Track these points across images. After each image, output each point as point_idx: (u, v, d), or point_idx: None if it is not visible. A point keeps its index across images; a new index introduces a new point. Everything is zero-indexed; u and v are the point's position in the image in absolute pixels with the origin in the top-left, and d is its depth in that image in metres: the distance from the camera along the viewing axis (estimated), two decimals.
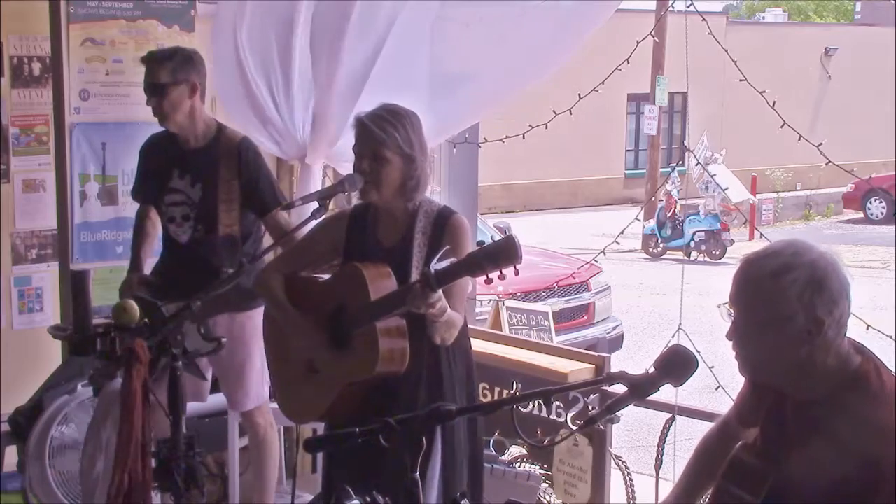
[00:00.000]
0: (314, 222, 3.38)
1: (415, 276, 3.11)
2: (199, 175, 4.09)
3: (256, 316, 4.11)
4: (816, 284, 2.11)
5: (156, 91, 4.00)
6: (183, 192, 4.11)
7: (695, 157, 13.38)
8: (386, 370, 3.08)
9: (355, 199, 3.49)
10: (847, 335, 2.20)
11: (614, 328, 9.77)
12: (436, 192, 4.86)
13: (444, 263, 2.77)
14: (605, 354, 5.08)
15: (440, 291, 2.87)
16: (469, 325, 3.45)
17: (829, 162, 4.05)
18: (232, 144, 4.12)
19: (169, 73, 4.00)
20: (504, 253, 2.64)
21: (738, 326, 2.21)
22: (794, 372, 2.18)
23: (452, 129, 4.69)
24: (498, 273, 2.66)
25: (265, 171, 4.20)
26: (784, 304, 2.12)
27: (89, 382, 4.28)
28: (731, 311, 2.23)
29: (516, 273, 2.66)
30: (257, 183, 4.11)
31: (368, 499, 2.27)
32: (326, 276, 3.42)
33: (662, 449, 4.09)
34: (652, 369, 2.22)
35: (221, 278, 3.26)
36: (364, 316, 3.06)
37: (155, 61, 4.04)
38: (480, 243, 2.71)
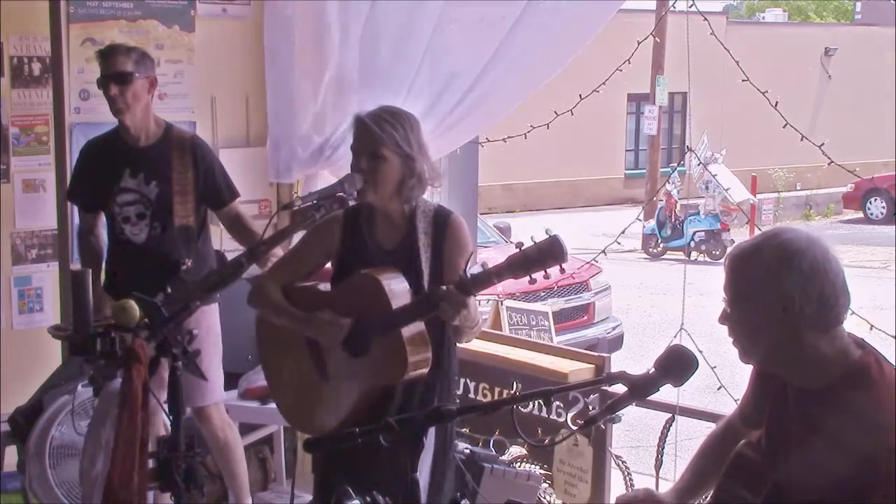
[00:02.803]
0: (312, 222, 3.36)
1: (426, 277, 3.10)
2: (153, 173, 4.07)
3: (211, 312, 4.09)
4: (785, 261, 2.13)
5: (120, 80, 3.96)
6: (136, 191, 4.09)
7: (696, 156, 13.37)
8: (413, 376, 3.05)
9: None
10: (848, 331, 2.21)
11: (614, 328, 9.78)
12: (436, 192, 4.85)
13: (477, 268, 2.75)
14: (605, 354, 5.09)
15: (473, 298, 2.85)
16: None
17: (832, 162, 4.05)
18: (184, 139, 4.14)
19: (133, 63, 3.99)
20: (549, 253, 2.61)
21: (725, 309, 2.24)
22: (783, 353, 2.19)
23: (464, 135, 4.70)
24: (543, 273, 2.64)
25: (219, 164, 4.22)
26: (754, 282, 2.16)
27: (89, 382, 4.26)
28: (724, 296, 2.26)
29: (562, 271, 2.63)
30: (213, 175, 4.13)
31: (368, 499, 2.27)
32: (323, 285, 3.35)
33: (662, 449, 4.09)
34: (652, 369, 2.22)
35: (215, 272, 3.24)
36: (388, 323, 3.00)
37: (118, 52, 4.02)
38: (520, 245, 2.66)
